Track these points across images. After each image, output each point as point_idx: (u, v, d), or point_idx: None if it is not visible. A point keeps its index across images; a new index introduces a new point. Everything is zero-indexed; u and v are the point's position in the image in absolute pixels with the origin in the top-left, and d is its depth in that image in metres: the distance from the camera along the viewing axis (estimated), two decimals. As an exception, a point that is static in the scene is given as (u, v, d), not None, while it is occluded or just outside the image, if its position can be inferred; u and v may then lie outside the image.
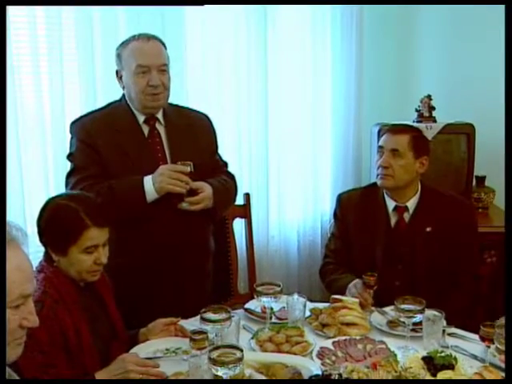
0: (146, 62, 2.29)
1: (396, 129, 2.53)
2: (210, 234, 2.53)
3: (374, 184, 2.59)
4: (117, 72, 2.38)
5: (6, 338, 1.28)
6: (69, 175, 2.33)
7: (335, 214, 2.67)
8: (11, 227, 1.34)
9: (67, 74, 2.77)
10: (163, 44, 2.37)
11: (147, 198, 2.24)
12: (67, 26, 2.76)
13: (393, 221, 2.50)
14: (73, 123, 2.37)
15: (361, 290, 2.27)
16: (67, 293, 1.84)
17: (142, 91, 2.30)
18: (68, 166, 2.37)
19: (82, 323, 1.83)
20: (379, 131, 3.17)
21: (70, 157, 2.36)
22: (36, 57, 2.66)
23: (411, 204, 2.49)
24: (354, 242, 2.55)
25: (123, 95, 2.40)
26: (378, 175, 2.49)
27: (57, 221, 1.86)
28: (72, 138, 2.36)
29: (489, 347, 1.87)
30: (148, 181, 2.23)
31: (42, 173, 2.76)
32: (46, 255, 1.89)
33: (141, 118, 2.37)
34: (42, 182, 2.76)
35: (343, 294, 2.33)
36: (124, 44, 2.35)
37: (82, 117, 2.40)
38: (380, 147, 2.50)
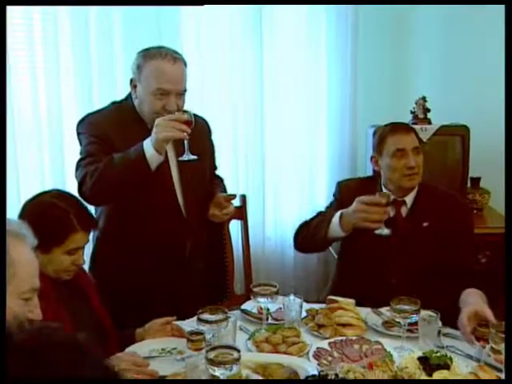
0: (168, 87, 2.21)
1: (404, 127, 2.51)
2: (205, 234, 2.54)
3: (371, 177, 2.58)
4: (131, 80, 2.30)
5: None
6: (80, 160, 2.25)
7: (334, 197, 2.65)
8: (21, 226, 1.37)
9: (63, 75, 2.79)
10: (185, 64, 2.30)
11: (148, 160, 2.11)
12: (63, 26, 2.77)
13: (390, 214, 2.46)
14: (81, 121, 2.32)
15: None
16: (46, 289, 1.84)
17: (155, 112, 2.22)
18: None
19: (64, 318, 1.82)
20: (374, 133, 3.18)
21: (82, 152, 2.27)
22: (32, 58, 2.68)
23: (409, 198, 2.47)
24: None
25: (130, 97, 2.34)
26: (403, 177, 2.39)
27: (46, 219, 1.86)
28: (80, 134, 2.30)
29: (484, 347, 1.88)
30: (147, 143, 2.12)
31: (38, 173, 2.78)
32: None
33: (149, 124, 2.32)
34: (39, 183, 2.77)
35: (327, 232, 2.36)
36: (147, 56, 2.24)
37: (89, 115, 2.35)
38: (400, 150, 2.39)
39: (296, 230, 2.60)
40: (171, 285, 2.35)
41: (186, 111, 2.19)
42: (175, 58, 2.25)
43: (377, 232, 2.30)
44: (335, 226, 2.37)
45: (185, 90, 2.29)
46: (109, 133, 2.25)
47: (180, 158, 2.23)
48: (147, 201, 2.27)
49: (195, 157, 2.22)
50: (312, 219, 2.56)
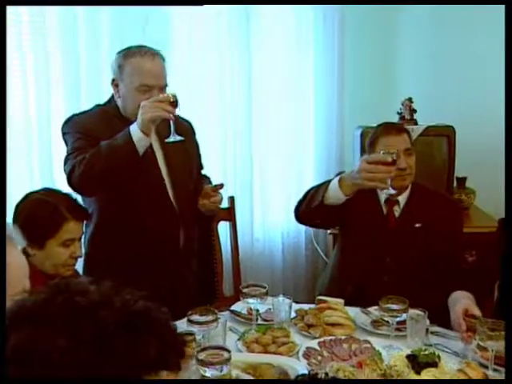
0: (150, 82, 2.26)
1: (396, 128, 2.49)
2: (195, 234, 2.56)
3: None
4: (113, 80, 2.34)
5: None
6: (68, 155, 2.27)
7: None
8: (10, 228, 1.38)
9: (52, 76, 2.80)
10: (164, 59, 2.34)
11: (136, 143, 2.14)
12: (51, 26, 2.78)
13: (384, 212, 2.47)
14: (66, 122, 2.35)
15: None
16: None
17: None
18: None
19: None
20: (361, 134, 3.21)
21: (69, 150, 2.29)
22: (22, 61, 2.68)
23: (402, 198, 2.46)
24: (347, 222, 2.51)
25: (113, 100, 2.38)
26: (394, 177, 2.31)
27: (36, 214, 1.90)
28: (66, 134, 2.32)
29: (470, 337, 1.91)
30: (133, 127, 2.16)
31: (27, 175, 2.78)
32: (22, 251, 1.89)
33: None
34: (28, 183, 2.77)
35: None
36: (127, 55, 2.29)
37: (73, 115, 2.38)
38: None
39: (298, 200, 2.55)
40: (165, 279, 2.37)
41: (171, 93, 2.22)
42: (154, 53, 2.31)
43: (383, 192, 2.28)
44: (334, 191, 2.31)
45: (166, 85, 2.33)
46: (94, 129, 2.28)
47: (166, 140, 2.26)
48: (137, 195, 2.30)
49: (182, 137, 2.26)
50: (312, 188, 2.50)
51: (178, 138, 2.24)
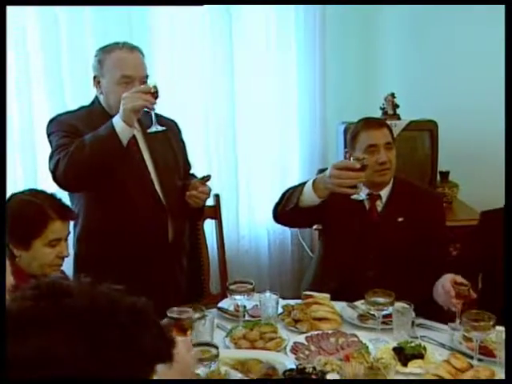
0: (131, 72, 2.30)
1: (377, 122, 2.52)
2: (186, 231, 2.58)
3: None
4: (94, 77, 2.36)
5: None
6: (52, 152, 2.27)
7: None
8: None
9: (34, 77, 2.78)
10: (142, 54, 2.38)
11: (119, 134, 2.16)
12: (32, 27, 2.77)
13: (366, 207, 2.48)
14: (50, 122, 2.35)
15: None
16: None
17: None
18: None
19: None
20: (345, 130, 3.22)
21: (53, 148, 2.29)
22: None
23: (384, 193, 2.48)
24: (329, 218, 2.52)
25: (96, 100, 2.39)
26: (374, 172, 2.38)
27: (22, 214, 1.89)
28: (51, 135, 2.32)
29: (459, 304, 2.00)
30: (116, 118, 2.19)
31: (10, 177, 2.76)
32: (8, 252, 1.89)
33: None
34: (11, 186, 2.75)
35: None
36: (106, 51, 2.33)
37: (58, 115, 2.39)
38: (372, 145, 2.39)
39: (275, 203, 2.56)
40: (155, 275, 2.37)
41: (151, 84, 2.26)
42: (132, 47, 2.35)
43: (353, 197, 2.28)
44: (308, 194, 2.34)
45: (147, 76, 2.36)
46: (79, 128, 2.29)
47: (148, 130, 2.29)
48: (124, 190, 2.30)
49: (164, 128, 2.30)
50: (288, 190, 2.52)
51: (160, 128, 2.28)
